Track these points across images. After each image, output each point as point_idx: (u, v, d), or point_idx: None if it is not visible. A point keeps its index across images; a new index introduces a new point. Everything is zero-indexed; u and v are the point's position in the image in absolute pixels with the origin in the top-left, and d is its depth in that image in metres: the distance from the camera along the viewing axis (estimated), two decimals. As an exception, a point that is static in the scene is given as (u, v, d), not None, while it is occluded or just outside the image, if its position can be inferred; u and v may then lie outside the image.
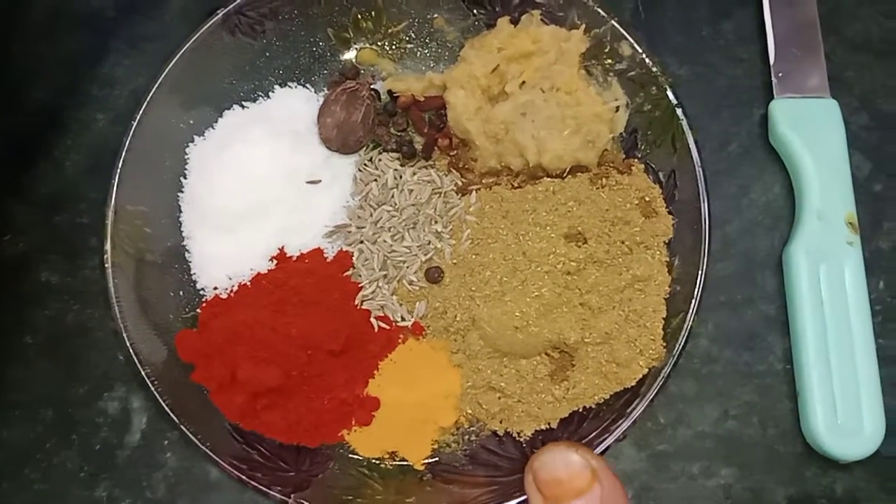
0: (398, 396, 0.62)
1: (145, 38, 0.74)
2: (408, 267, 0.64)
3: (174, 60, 0.64)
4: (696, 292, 0.58)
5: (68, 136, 0.71)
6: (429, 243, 0.65)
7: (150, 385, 0.57)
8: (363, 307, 0.64)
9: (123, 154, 0.62)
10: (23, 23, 0.74)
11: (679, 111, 0.61)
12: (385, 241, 0.65)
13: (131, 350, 0.58)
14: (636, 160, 0.64)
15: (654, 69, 0.62)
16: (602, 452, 0.56)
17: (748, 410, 0.64)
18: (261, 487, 0.55)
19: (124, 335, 0.58)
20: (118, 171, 0.62)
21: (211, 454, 0.56)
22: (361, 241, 0.65)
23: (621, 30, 0.63)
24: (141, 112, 0.63)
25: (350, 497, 0.56)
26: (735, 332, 0.66)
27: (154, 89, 0.64)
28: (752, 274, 0.67)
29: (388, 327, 0.63)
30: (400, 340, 0.63)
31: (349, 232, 0.65)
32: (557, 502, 0.44)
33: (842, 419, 0.61)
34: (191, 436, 0.56)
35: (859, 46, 0.73)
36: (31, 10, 0.75)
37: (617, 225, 0.60)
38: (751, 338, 0.66)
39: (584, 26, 0.64)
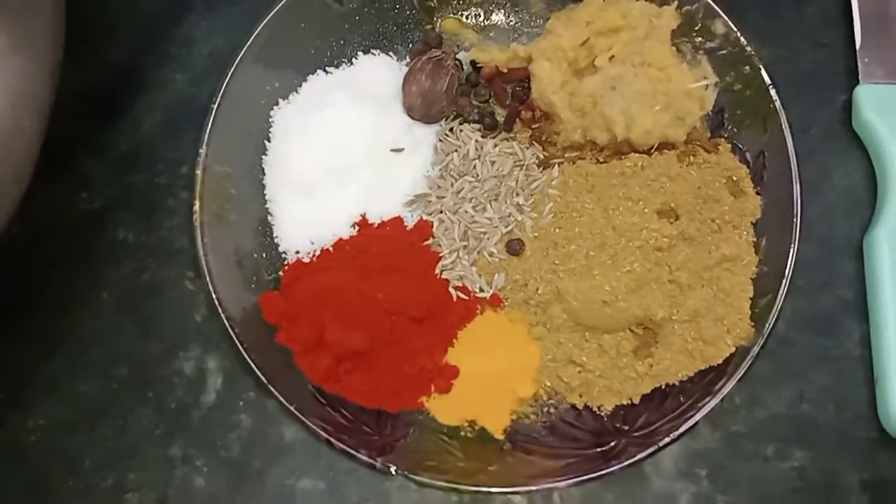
0: (476, 366, 0.62)
1: (224, -1, 0.73)
2: (488, 238, 0.64)
3: (262, 24, 0.64)
4: (786, 273, 0.58)
5: (146, 95, 0.71)
6: (510, 215, 0.65)
7: (237, 343, 0.58)
8: (442, 277, 0.64)
9: (212, 114, 0.62)
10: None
11: (773, 92, 0.61)
12: (466, 212, 0.65)
13: (219, 308, 0.58)
14: (723, 139, 0.64)
15: (749, 49, 0.62)
16: (688, 430, 0.56)
17: (823, 394, 0.64)
18: (348, 450, 0.55)
19: (212, 293, 0.59)
20: (207, 130, 0.62)
21: (299, 415, 0.56)
22: (442, 211, 0.65)
23: (716, 7, 0.62)
24: (229, 74, 0.63)
25: (434, 463, 0.56)
26: (812, 316, 0.66)
27: (243, 52, 0.63)
28: (831, 258, 0.67)
29: (466, 297, 0.63)
30: (478, 311, 0.63)
31: (430, 201, 0.65)
32: None
33: (920, 406, 0.61)
34: (279, 397, 0.56)
35: (946, 33, 0.72)
36: (108, -32, 0.75)
37: (708, 203, 0.60)
38: (828, 322, 0.66)
39: (675, 3, 0.64)
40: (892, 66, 0.69)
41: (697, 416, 0.56)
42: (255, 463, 0.63)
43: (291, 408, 0.56)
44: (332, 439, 0.56)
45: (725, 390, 0.57)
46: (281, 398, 0.57)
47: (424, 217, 0.65)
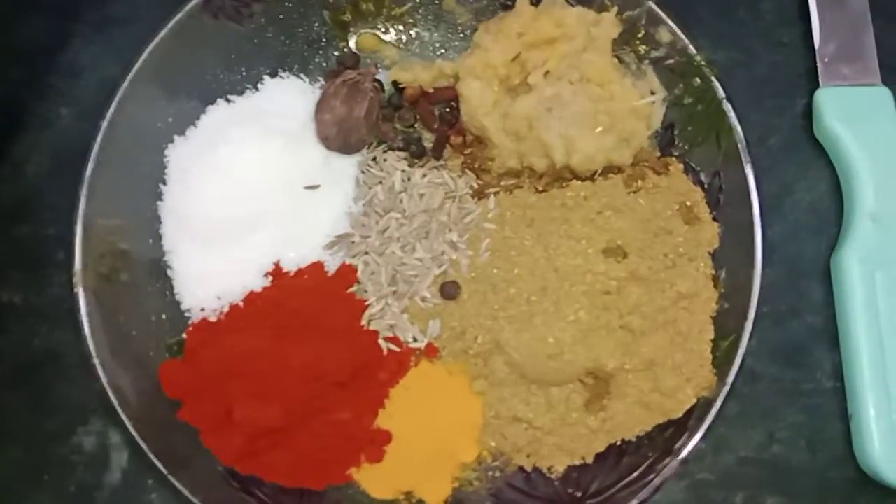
0: (412, 428, 0.56)
1: (114, 20, 0.66)
2: (420, 281, 0.58)
3: (150, 48, 0.58)
4: (749, 312, 0.52)
5: (28, 134, 0.64)
6: (443, 254, 0.58)
7: (130, 428, 0.50)
8: (370, 328, 0.57)
9: (93, 157, 0.54)
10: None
11: (727, 106, 0.55)
12: (394, 253, 0.58)
13: (108, 387, 0.51)
14: (674, 159, 0.58)
15: (698, 58, 0.56)
16: (655, 491, 0.51)
17: (796, 433, 0.59)
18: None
19: (99, 370, 0.51)
20: (87, 177, 0.54)
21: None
22: (367, 253, 0.59)
23: (660, 13, 0.56)
24: (113, 108, 0.56)
25: (363, 549, 0.50)
26: (780, 347, 0.61)
27: (127, 81, 0.57)
28: (797, 282, 0.62)
29: (398, 349, 0.57)
30: (412, 364, 0.57)
31: (353, 242, 0.59)
32: None
33: (900, 443, 0.56)
34: (181, 487, 0.49)
35: (910, 28, 0.67)
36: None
37: (659, 236, 0.54)
38: (797, 353, 0.61)
39: (615, 9, 0.57)
40: (855, 65, 0.63)
41: (657, 480, 0.50)
42: (168, 549, 0.56)
43: (196, 501, 0.49)
44: (245, 533, 0.49)
45: (687, 449, 0.51)
46: (184, 490, 0.49)
47: (347, 261, 0.59)
